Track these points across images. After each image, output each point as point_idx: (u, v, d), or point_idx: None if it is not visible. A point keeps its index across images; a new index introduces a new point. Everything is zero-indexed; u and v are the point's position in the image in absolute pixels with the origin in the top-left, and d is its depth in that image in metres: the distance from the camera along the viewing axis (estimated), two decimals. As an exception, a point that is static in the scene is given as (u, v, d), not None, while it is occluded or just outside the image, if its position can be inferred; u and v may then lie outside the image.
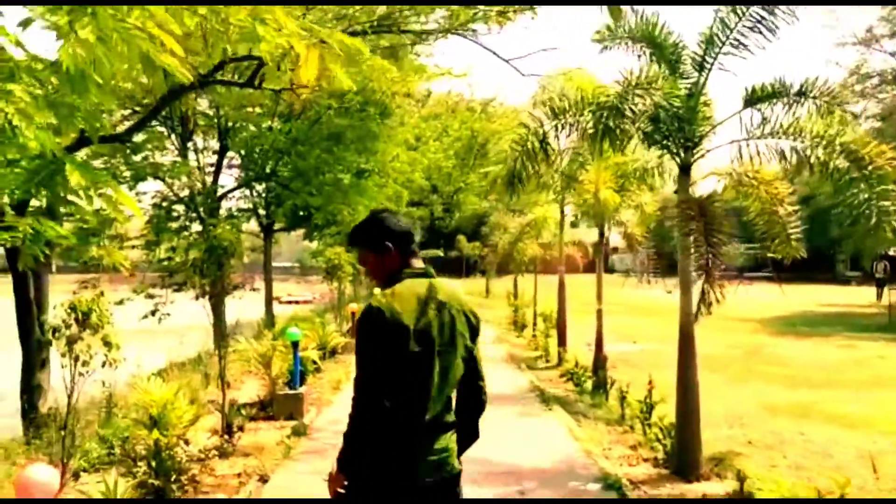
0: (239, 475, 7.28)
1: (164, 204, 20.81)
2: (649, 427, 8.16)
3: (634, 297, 35.64)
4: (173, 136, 21.05)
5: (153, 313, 19.68)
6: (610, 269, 69.07)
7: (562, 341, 14.78)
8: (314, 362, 11.68)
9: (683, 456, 7.08)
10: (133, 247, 21.22)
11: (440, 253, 48.59)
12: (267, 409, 10.04)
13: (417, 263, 3.16)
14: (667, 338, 19.46)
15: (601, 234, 11.10)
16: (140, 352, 17.25)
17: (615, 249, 61.36)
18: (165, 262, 21.03)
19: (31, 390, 10.30)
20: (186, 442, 6.45)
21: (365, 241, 3.15)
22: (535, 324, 18.75)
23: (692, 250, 7.07)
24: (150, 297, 19.79)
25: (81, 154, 18.00)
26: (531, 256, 17.00)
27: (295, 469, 7.09)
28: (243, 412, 9.82)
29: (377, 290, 3.12)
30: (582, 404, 10.48)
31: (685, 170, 7.32)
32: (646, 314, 25.62)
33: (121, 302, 16.51)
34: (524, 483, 6.50)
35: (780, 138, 7.05)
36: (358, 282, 24.91)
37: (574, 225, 22.25)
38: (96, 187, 3.94)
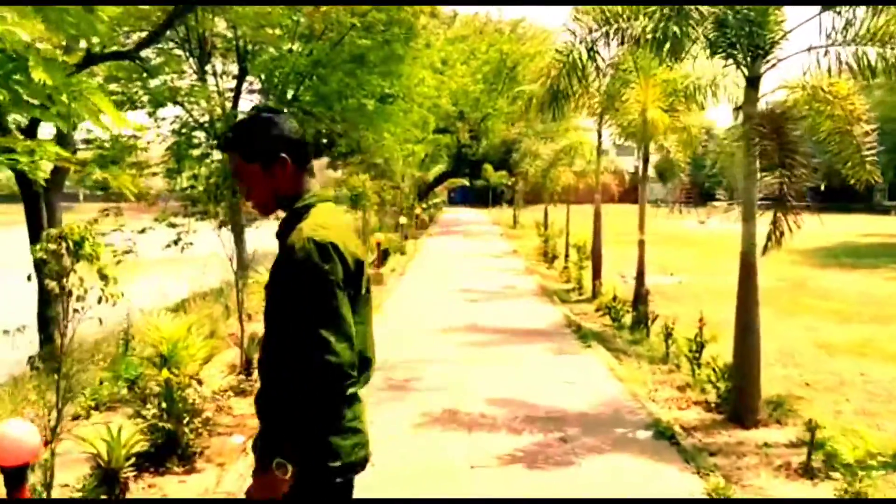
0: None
1: (185, 131, 20.34)
2: (699, 367, 7.54)
3: (667, 228, 34.66)
4: (191, 60, 20.25)
5: (176, 242, 19.44)
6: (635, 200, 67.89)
7: (596, 273, 14.10)
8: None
9: (740, 400, 6.47)
10: (154, 174, 20.90)
11: (466, 182, 47.75)
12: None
13: (317, 186, 2.45)
14: (704, 270, 18.80)
15: (645, 160, 10.26)
16: (165, 281, 17.11)
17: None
18: (188, 191, 20.88)
19: (46, 322, 9.95)
20: (200, 382, 5.94)
21: (250, 147, 2.35)
22: (566, 255, 18.08)
23: (758, 174, 6.30)
24: (173, 225, 19.52)
25: (98, 80, 17.45)
26: (564, 185, 16.16)
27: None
28: (265, 346, 9.38)
29: (310, 223, 2.28)
30: (621, 340, 9.88)
31: (753, 82, 6.46)
32: (680, 245, 24.81)
33: (143, 231, 16.26)
34: (566, 429, 5.94)
35: (865, 45, 6.13)
36: (384, 211, 24.31)
37: (603, 153, 21.26)
38: (70, 91, 3.29)
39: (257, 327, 10.65)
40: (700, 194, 55.51)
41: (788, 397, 7.02)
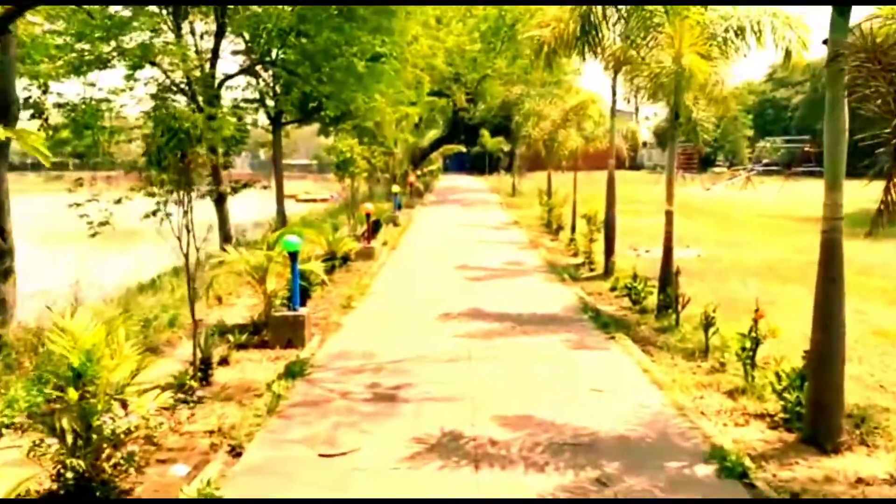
0: (212, 434, 5.46)
1: (167, 95, 18.92)
2: (753, 368, 6.16)
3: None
4: (167, 17, 18.56)
5: (154, 213, 18.20)
6: (637, 166, 66.06)
7: (609, 247, 12.68)
8: (323, 278, 9.66)
9: (818, 416, 5.10)
10: (129, 140, 19.56)
11: (462, 148, 46.03)
12: (261, 332, 8.20)
13: None
14: (721, 241, 17.38)
15: (676, 116, 8.75)
16: (145, 255, 15.72)
17: (644, 144, 58.26)
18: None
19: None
20: (124, 403, 4.54)
21: None
22: (573, 225, 16.64)
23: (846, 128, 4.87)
24: (152, 195, 18.24)
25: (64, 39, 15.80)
26: (572, 150, 14.66)
27: (280, 434, 5.19)
28: (231, 337, 7.99)
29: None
30: (646, 328, 8.50)
31: (843, 7, 4.96)
32: (691, 214, 23.32)
33: (119, 201, 15.07)
34: (602, 463, 4.56)
35: None
36: (374, 179, 22.79)
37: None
38: None
39: (227, 313, 9.27)
40: (703, 161, 54.12)
41: (869, 408, 5.65)
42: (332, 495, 4.22)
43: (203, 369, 6.70)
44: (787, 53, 7.41)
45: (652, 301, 9.52)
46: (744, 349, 6.11)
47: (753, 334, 6.06)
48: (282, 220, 26.89)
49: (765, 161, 45.64)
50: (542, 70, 12.06)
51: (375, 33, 18.36)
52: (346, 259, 13.52)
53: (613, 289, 11.04)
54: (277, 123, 28.34)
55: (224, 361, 7.40)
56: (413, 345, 7.51)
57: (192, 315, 6.40)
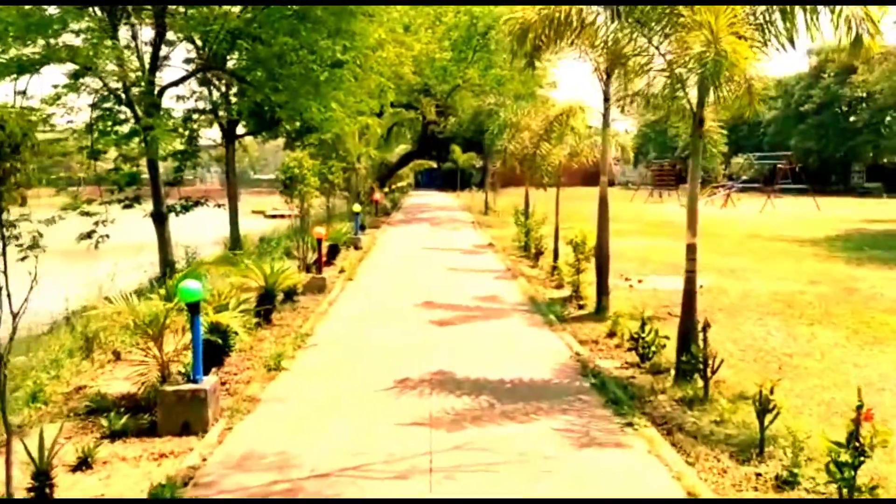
0: None
1: (107, 105, 16.81)
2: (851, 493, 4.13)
3: (651, 214, 31.49)
4: (101, 15, 16.30)
5: (89, 235, 16.09)
6: (611, 182, 64.61)
7: (602, 282, 10.71)
8: (238, 333, 7.39)
9: None
10: (64, 154, 17.49)
11: (433, 164, 44.08)
12: (152, 411, 6.03)
13: None
14: (722, 269, 15.44)
15: (699, 121, 6.74)
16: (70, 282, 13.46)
17: (616, 160, 56.80)
18: (114, 174, 17.55)
19: None
20: None
21: None
22: (556, 250, 14.66)
23: None
24: (87, 214, 16.15)
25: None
26: (555, 165, 12.68)
27: None
28: (106, 421, 5.82)
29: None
30: (665, 400, 6.47)
31: None
32: (678, 235, 21.50)
33: (52, 220, 13.25)
34: None
35: None
36: (338, 197, 20.60)
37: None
38: None
39: (104, 383, 7.02)
40: (678, 176, 52.78)
41: None
42: None
43: (38, 487, 4.53)
44: (858, 38, 5.47)
45: (666, 356, 7.54)
46: (839, 465, 4.06)
47: (856, 443, 4.02)
48: (235, 240, 24.69)
49: (744, 178, 44.30)
50: (524, 67, 10.13)
51: (335, 37, 16.39)
52: (291, 294, 11.38)
53: (612, 334, 9.05)
54: (231, 136, 26.17)
55: (85, 463, 5.22)
56: (352, 440, 5.38)
57: (4, 419, 4.19)
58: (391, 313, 10.43)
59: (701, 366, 6.42)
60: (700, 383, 6.56)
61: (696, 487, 4.46)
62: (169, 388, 5.94)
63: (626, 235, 20.17)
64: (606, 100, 10.66)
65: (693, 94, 6.85)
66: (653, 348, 7.63)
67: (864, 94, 57.49)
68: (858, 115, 59.25)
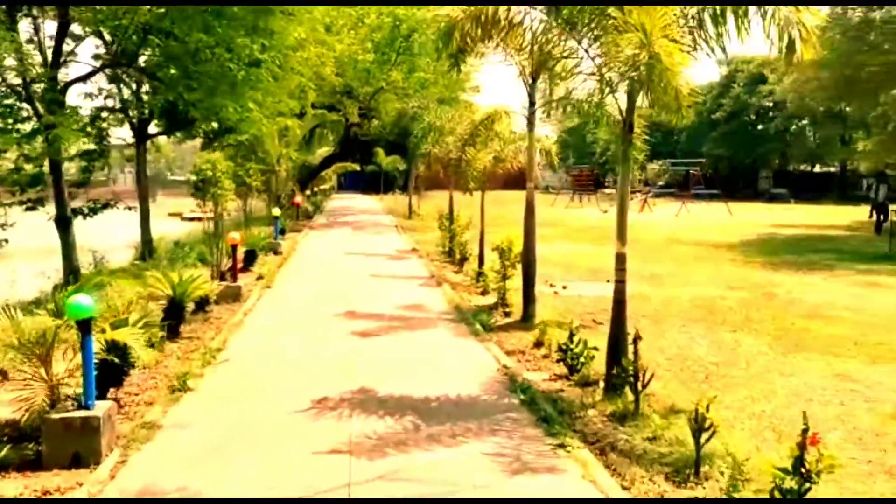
0: None
1: (8, 101, 15.61)
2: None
3: (573, 218, 31.79)
4: None
5: None
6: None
7: (528, 290, 10.50)
8: (138, 355, 6.72)
9: None
10: None
11: (356, 167, 43.40)
12: (38, 441, 5.38)
13: None
14: (642, 274, 15.49)
15: (629, 126, 6.56)
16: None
17: (540, 166, 57.30)
18: (15, 175, 16.36)
19: None
20: None
21: None
22: (481, 256, 14.42)
23: None
24: None
25: None
26: (480, 170, 12.43)
27: None
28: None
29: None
30: (595, 415, 6.24)
31: None
32: (598, 240, 21.71)
33: None
34: None
35: None
36: (252, 196, 19.79)
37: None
38: None
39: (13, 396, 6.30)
40: (597, 182, 53.88)
41: None
42: None
43: None
44: (791, 44, 5.37)
45: (594, 367, 7.35)
46: (783, 492, 3.86)
47: (802, 469, 3.82)
48: (146, 245, 23.50)
49: (660, 183, 45.50)
50: (449, 69, 9.81)
51: (253, 35, 15.72)
52: (203, 304, 10.72)
53: (539, 344, 8.81)
54: (142, 135, 24.97)
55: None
56: (264, 472, 4.90)
57: None
58: (311, 324, 9.92)
59: (632, 379, 6.22)
60: (630, 397, 6.36)
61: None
62: (56, 416, 5.31)
63: (550, 240, 20.17)
64: (532, 104, 10.47)
65: (623, 98, 6.66)
66: (581, 359, 7.42)
67: (772, 104, 60.20)
68: (766, 124, 62.02)
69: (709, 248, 20.27)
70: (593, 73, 6.65)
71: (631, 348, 6.34)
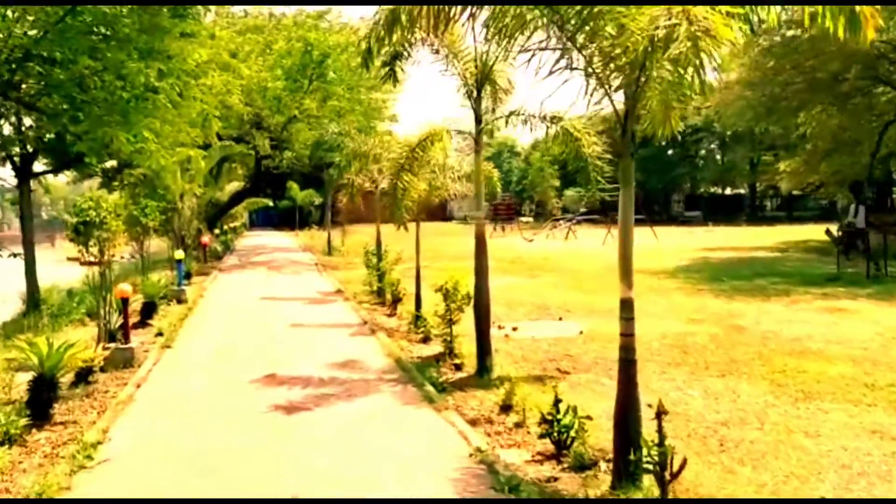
0: None
1: None
2: None
3: (500, 248, 30.50)
4: None
5: None
6: (448, 217, 64.26)
7: (484, 338, 8.93)
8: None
9: None
10: None
11: (269, 202, 41.14)
12: None
13: None
14: (595, 309, 14.07)
15: (630, 135, 5.07)
16: None
17: (453, 196, 56.28)
18: None
19: None
20: None
21: None
22: (417, 296, 12.76)
23: None
24: None
25: None
26: (414, 199, 10.82)
27: None
28: None
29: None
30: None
31: None
32: (532, 271, 20.44)
33: None
34: None
35: None
36: (149, 237, 17.47)
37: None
38: None
39: None
40: (515, 211, 53.36)
41: None
42: None
43: None
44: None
45: (590, 441, 5.81)
46: None
47: None
48: (32, 297, 20.78)
49: (583, 209, 45.08)
50: (383, 79, 8.27)
51: (147, 59, 13.71)
52: (86, 374, 8.64)
53: (507, 408, 7.22)
54: (25, 174, 22.26)
55: None
56: None
57: None
58: (221, 397, 7.98)
59: (657, 467, 4.69)
60: (648, 483, 4.86)
61: None
62: None
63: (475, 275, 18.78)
64: (479, 121, 9.00)
65: (619, 101, 5.22)
66: (572, 433, 5.87)
67: (681, 130, 61.58)
68: (675, 150, 63.43)
69: (649, 275, 19.27)
70: (576, 69, 5.17)
71: (653, 424, 4.82)
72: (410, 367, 8.97)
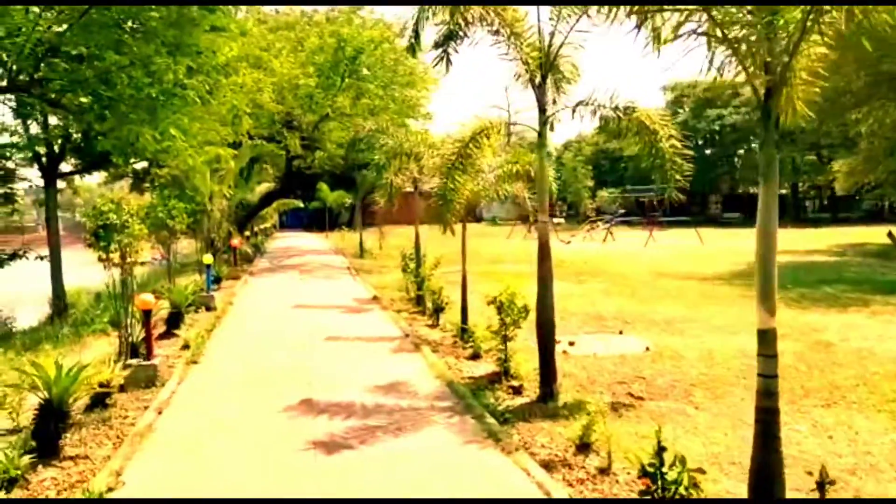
0: None
1: None
2: None
3: (535, 251, 29.25)
4: None
5: None
6: (478, 218, 62.91)
7: (548, 360, 7.85)
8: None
9: None
10: None
11: (299, 203, 40.35)
12: None
13: None
14: (654, 320, 12.84)
15: (772, 118, 4.00)
16: None
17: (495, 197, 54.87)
18: None
19: None
20: None
21: None
22: (464, 305, 11.72)
23: None
24: None
25: None
26: (464, 199, 9.75)
27: None
28: None
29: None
30: None
31: None
32: (578, 277, 19.23)
33: None
34: None
35: None
36: (176, 240, 16.66)
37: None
38: None
39: None
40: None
41: None
42: None
43: None
44: None
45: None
46: None
47: None
48: (59, 301, 20.22)
49: (621, 211, 43.69)
50: (436, 61, 7.25)
51: (176, 53, 12.90)
52: (102, 397, 7.75)
53: (584, 446, 6.13)
54: (52, 175, 21.69)
55: None
56: None
57: None
58: (251, 429, 6.98)
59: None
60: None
61: None
62: None
63: (526, 279, 17.62)
64: (542, 111, 7.92)
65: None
66: (681, 490, 4.76)
67: (718, 128, 59.81)
68: (715, 149, 61.58)
69: (702, 281, 18.03)
70: (704, 34, 4.05)
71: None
72: (465, 393, 7.90)
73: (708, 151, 62.62)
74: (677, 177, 8.14)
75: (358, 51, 24.59)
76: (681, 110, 62.14)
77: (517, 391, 8.19)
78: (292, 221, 56.16)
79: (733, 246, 29.89)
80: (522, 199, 12.20)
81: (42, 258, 21.15)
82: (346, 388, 8.19)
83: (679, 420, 7.12)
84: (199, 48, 13.32)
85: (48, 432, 6.50)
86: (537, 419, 7.11)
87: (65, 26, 12.30)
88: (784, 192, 63.56)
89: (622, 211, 43.37)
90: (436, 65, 7.18)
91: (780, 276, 16.49)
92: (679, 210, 49.40)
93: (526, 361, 8.79)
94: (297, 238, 43.86)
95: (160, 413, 7.48)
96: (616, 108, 7.90)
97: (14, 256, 21.50)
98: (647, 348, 10.40)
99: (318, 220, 48.16)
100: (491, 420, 6.90)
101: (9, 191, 23.16)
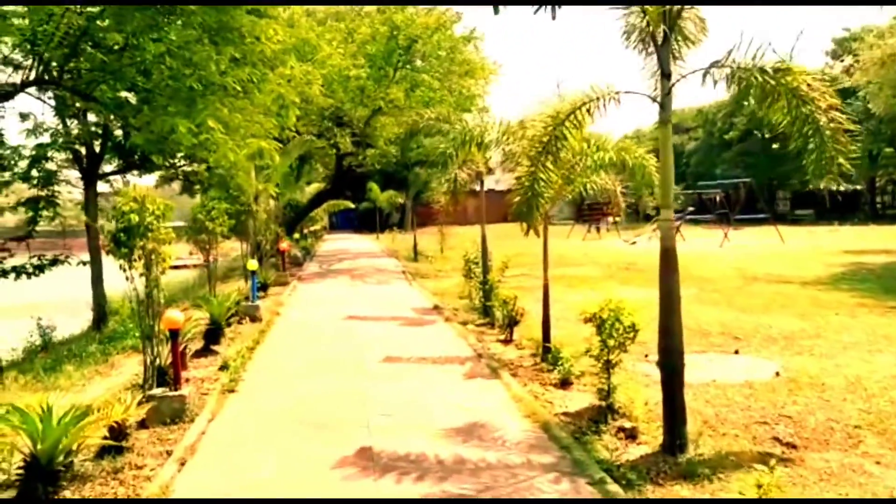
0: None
1: None
2: None
3: (602, 253, 27.24)
4: None
5: None
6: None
7: (674, 398, 6.04)
8: None
9: None
10: None
11: (350, 204, 39.02)
12: None
13: None
14: (769, 335, 8.78)
15: None
16: None
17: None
18: None
19: None
20: None
21: None
22: (546, 320, 9.91)
23: None
24: None
25: None
26: (553, 194, 7.96)
27: None
28: None
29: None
30: None
31: None
32: (651, 282, 17.14)
33: None
34: None
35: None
36: (216, 244, 15.21)
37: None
38: None
39: None
40: (602, 211, 49.62)
41: None
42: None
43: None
44: None
45: None
46: None
47: None
48: (100, 311, 19.12)
49: (690, 209, 41.07)
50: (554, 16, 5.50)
51: (217, 38, 11.54)
52: (118, 436, 6.25)
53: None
54: (91, 176, 20.59)
55: None
56: None
57: None
58: (297, 495, 5.34)
59: None
60: None
61: None
62: None
63: (595, 284, 15.74)
64: (667, 77, 6.10)
65: None
66: None
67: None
68: (784, 142, 58.26)
69: (803, 286, 15.86)
70: None
71: None
72: (568, 442, 6.12)
73: (775, 146, 59.39)
74: (840, 160, 6.20)
75: (412, 39, 23.01)
76: (746, 101, 59.19)
77: (631, 435, 6.40)
78: (342, 223, 55.13)
79: (816, 245, 27.48)
80: (613, 192, 10.37)
81: (84, 263, 20.18)
82: (414, 431, 6.50)
83: (860, 482, 5.27)
84: (242, 31, 11.94)
85: (35, 497, 5.01)
86: (669, 481, 5.33)
87: (98, 8, 11.08)
88: (859, 187, 59.86)
89: (691, 208, 40.74)
90: (554, 16, 5.44)
91: (887, 280, 13.96)
92: (746, 208, 46.54)
93: (635, 392, 7.02)
94: (347, 240, 42.60)
95: (182, 465, 5.90)
96: (762, 71, 6.05)
97: (55, 262, 20.55)
98: (777, 373, 8.48)
99: (369, 222, 46.90)
100: (614, 488, 5.12)
101: (49, 193, 22.28)
